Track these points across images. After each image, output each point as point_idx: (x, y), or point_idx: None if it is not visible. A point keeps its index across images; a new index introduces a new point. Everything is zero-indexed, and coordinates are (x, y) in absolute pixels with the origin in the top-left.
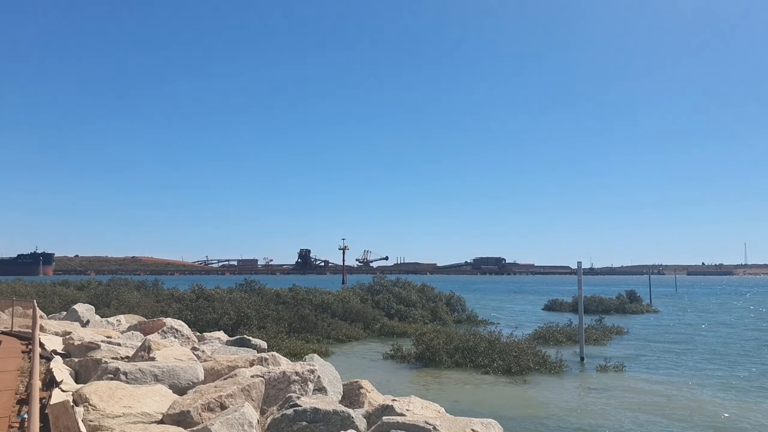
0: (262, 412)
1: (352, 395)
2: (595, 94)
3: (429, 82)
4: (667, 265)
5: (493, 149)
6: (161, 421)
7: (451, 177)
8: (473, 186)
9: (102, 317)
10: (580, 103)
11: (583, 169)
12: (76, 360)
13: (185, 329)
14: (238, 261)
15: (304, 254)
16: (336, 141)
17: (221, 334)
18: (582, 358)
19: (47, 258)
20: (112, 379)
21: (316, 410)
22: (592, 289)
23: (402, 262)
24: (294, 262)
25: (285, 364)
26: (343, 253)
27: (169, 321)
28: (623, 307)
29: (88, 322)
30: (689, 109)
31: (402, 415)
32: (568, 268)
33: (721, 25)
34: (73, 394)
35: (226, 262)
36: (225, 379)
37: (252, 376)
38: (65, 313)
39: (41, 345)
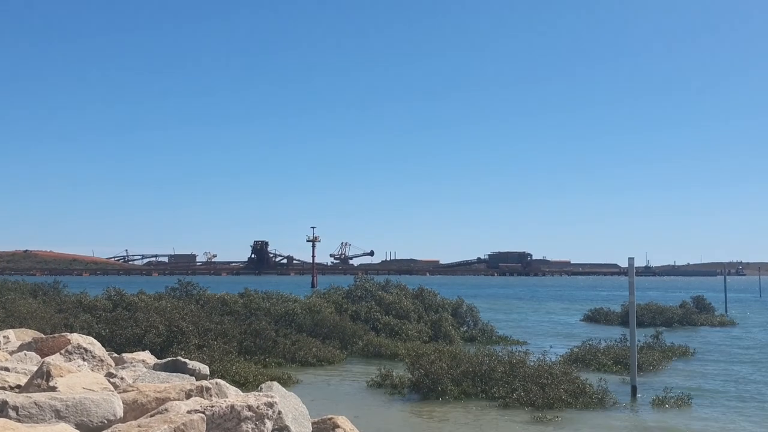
0: None
1: None
2: (657, 50)
3: (430, 29)
4: (748, 263)
5: (515, 113)
6: None
7: (458, 149)
8: (488, 160)
9: None
10: (637, 56)
11: (634, 139)
12: None
13: (98, 349)
14: (170, 257)
15: (260, 248)
16: (303, 99)
17: (147, 356)
18: (634, 388)
19: None
20: None
21: None
22: (648, 294)
23: (393, 258)
24: (246, 259)
25: (234, 396)
26: (313, 246)
27: (76, 338)
28: (689, 319)
29: None
30: None
31: None
32: (616, 266)
33: None
34: None
35: (154, 259)
36: (152, 415)
37: (189, 412)
38: None
39: None
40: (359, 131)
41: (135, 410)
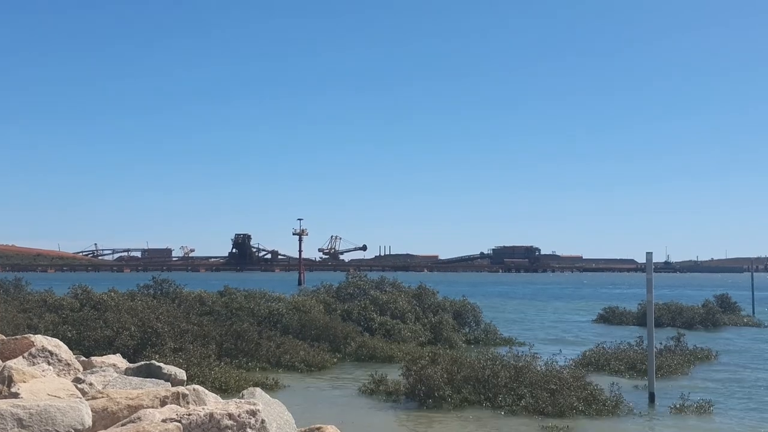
0: None
1: None
2: (673, 36)
3: (433, 13)
4: None
5: (524, 98)
6: None
7: (459, 135)
8: (492, 147)
9: None
10: (654, 42)
11: (652, 128)
12: None
13: (64, 352)
14: (143, 251)
15: (242, 242)
16: (290, 79)
17: (118, 359)
18: (651, 395)
19: None
20: None
21: None
22: (668, 292)
23: (388, 253)
24: (227, 254)
25: (213, 403)
26: (300, 240)
27: (40, 339)
28: (712, 319)
29: None
30: None
31: None
32: (632, 262)
33: None
34: None
35: (125, 254)
36: (124, 424)
37: (164, 421)
38: None
39: None
40: (351, 115)
41: (105, 419)
